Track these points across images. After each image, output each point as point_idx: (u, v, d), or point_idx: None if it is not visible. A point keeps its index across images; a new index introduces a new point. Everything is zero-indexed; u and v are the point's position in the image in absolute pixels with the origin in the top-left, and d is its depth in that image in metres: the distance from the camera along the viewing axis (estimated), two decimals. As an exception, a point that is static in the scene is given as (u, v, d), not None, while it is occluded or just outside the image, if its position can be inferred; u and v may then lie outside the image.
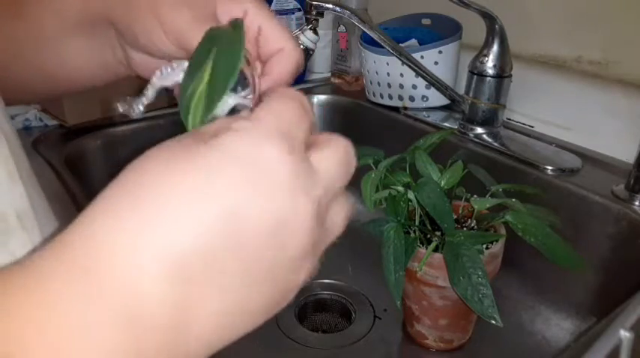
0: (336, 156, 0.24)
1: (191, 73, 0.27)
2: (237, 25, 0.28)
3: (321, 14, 0.71)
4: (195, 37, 0.29)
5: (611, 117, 0.67)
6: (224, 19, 0.32)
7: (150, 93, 0.31)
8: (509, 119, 0.77)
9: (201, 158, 0.21)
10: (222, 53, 0.26)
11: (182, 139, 0.22)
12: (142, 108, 0.31)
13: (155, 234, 0.19)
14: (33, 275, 0.18)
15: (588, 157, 0.67)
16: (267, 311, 0.23)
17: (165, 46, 0.32)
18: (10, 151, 0.27)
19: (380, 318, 0.63)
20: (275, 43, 0.32)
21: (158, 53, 0.33)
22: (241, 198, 0.20)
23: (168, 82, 0.30)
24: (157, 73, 0.30)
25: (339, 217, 0.25)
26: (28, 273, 0.18)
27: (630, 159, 0.61)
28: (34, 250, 0.26)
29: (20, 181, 0.27)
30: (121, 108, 0.31)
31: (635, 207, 0.56)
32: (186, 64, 0.29)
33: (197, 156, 0.21)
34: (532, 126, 0.75)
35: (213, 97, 0.25)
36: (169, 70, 0.30)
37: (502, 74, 0.68)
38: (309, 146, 0.24)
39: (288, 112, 0.23)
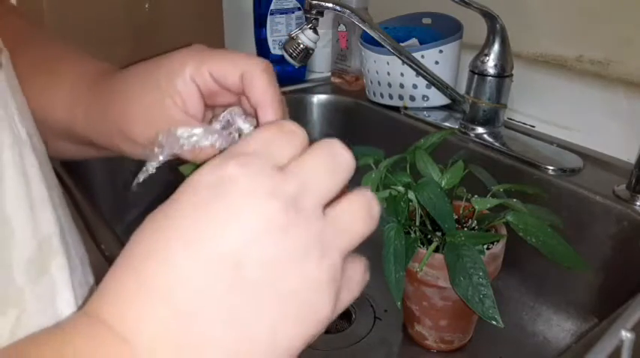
0: (355, 205, 0.24)
1: None
2: None
3: (321, 13, 0.71)
4: None
5: (612, 116, 0.66)
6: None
7: (152, 167, 0.32)
8: (510, 119, 0.77)
9: (191, 206, 0.22)
10: None
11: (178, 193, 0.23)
12: (141, 179, 0.33)
13: (156, 282, 0.21)
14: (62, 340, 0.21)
15: (589, 157, 0.66)
16: (288, 345, 0.22)
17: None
18: (44, 175, 0.28)
19: (380, 319, 0.63)
20: (228, 72, 0.33)
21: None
22: (231, 239, 0.21)
23: (174, 150, 0.32)
24: (157, 149, 0.32)
25: (356, 271, 0.25)
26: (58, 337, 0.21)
27: (632, 158, 0.61)
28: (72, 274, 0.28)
29: (51, 203, 0.28)
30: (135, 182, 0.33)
31: (637, 207, 0.56)
32: (181, 131, 0.31)
33: (188, 204, 0.22)
34: (533, 126, 0.75)
35: None
36: (165, 141, 0.32)
37: (503, 74, 0.68)
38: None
39: (268, 139, 0.24)
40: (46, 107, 0.38)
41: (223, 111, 0.33)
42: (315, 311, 0.22)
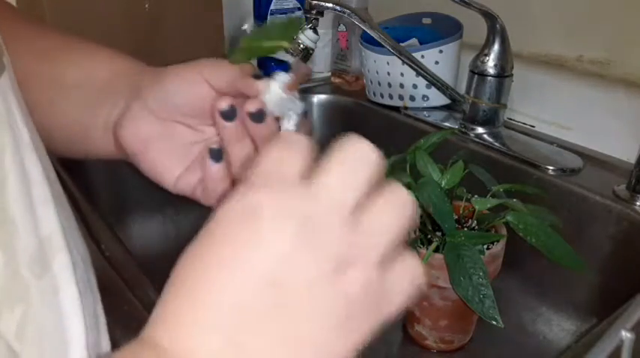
0: (388, 206, 0.24)
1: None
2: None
3: (321, 13, 0.71)
4: (244, 79, 0.35)
5: (612, 116, 0.66)
6: None
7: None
8: (510, 119, 0.77)
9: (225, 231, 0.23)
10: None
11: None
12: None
13: (205, 314, 0.22)
14: None
15: (589, 157, 0.66)
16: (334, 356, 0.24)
17: (206, 92, 0.37)
18: (46, 174, 0.29)
19: (380, 319, 0.63)
20: None
21: (192, 107, 0.37)
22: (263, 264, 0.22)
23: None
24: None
25: (403, 280, 0.25)
26: None
27: (632, 159, 0.61)
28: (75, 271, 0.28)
29: (52, 202, 0.29)
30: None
31: (637, 208, 0.56)
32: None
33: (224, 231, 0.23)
34: (533, 126, 0.75)
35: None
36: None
37: (503, 74, 0.68)
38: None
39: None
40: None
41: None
42: (360, 323, 0.25)
